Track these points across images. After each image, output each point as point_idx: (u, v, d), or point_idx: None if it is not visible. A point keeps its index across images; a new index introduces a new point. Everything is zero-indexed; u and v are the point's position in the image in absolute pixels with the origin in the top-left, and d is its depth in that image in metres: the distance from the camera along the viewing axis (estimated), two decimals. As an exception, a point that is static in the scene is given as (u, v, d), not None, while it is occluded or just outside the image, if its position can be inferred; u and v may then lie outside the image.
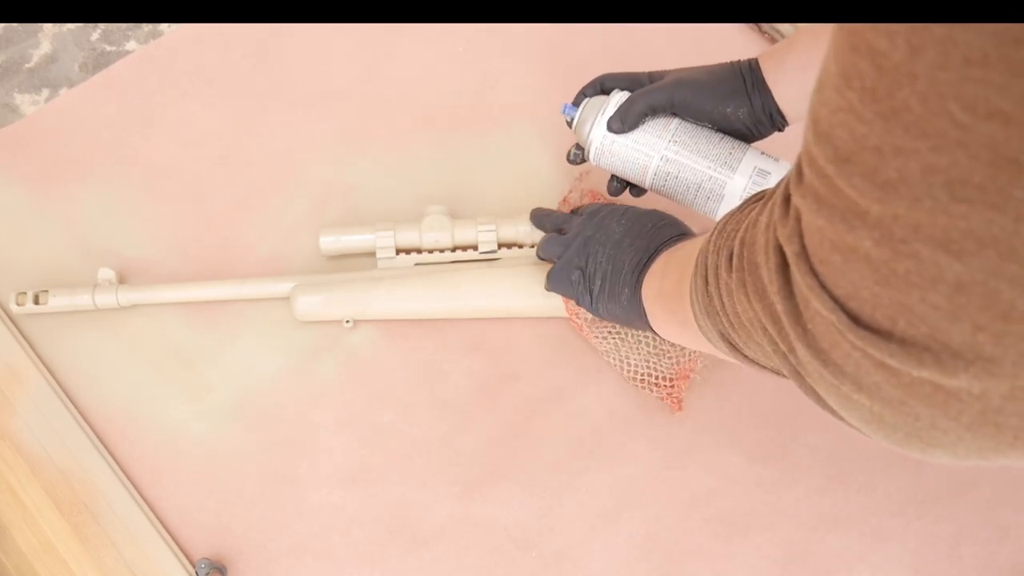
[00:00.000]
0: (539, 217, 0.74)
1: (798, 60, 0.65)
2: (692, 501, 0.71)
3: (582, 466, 0.72)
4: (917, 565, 0.70)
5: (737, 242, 0.42)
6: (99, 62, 0.86)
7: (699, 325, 0.49)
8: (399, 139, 0.84)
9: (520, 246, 0.76)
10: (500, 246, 0.77)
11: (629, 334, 0.73)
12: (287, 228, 0.80)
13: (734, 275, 0.42)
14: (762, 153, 0.68)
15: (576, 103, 0.72)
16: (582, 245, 0.68)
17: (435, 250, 0.76)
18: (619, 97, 0.69)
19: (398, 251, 0.76)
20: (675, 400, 0.73)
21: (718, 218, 0.66)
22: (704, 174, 0.67)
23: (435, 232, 0.76)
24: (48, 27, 0.88)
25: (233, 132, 0.83)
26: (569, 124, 0.72)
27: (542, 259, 0.72)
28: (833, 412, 0.39)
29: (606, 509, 0.71)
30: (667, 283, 0.59)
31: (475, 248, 0.77)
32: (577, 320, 0.73)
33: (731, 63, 0.68)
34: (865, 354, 0.33)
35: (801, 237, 0.35)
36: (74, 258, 0.78)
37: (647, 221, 0.67)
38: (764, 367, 0.45)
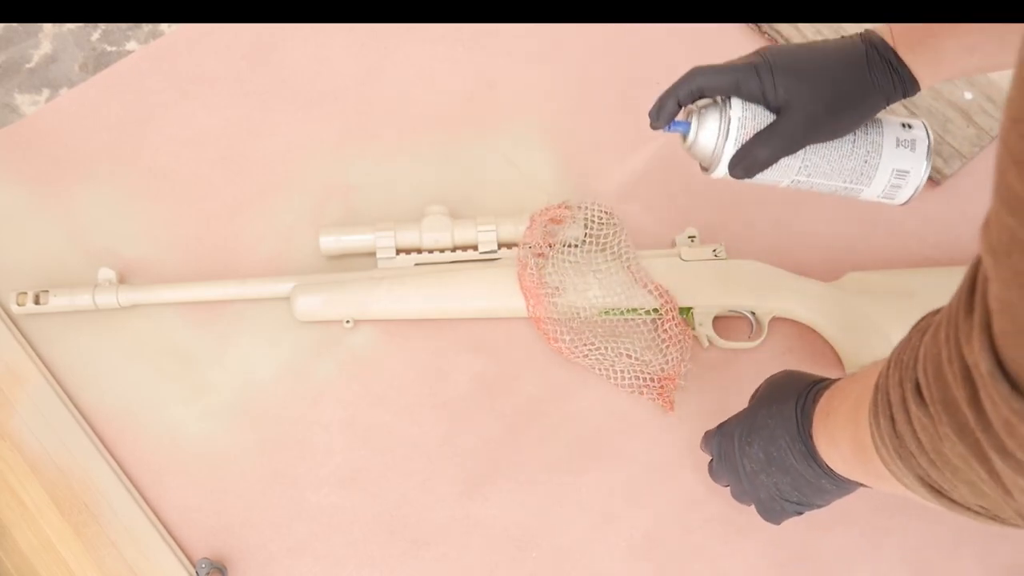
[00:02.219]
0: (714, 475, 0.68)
1: (960, 43, 0.55)
2: (692, 501, 0.71)
3: (582, 466, 0.72)
4: (917, 565, 0.70)
5: (920, 371, 0.38)
6: (99, 62, 0.86)
7: (892, 472, 0.44)
8: (399, 139, 0.84)
9: (529, 245, 0.76)
10: (500, 246, 0.77)
11: (609, 347, 0.73)
12: (287, 228, 0.80)
13: (929, 408, 0.37)
14: (901, 125, 0.62)
15: (667, 109, 0.60)
16: (749, 486, 0.62)
17: (435, 250, 0.76)
18: (737, 118, 0.59)
19: (398, 251, 0.76)
20: (667, 400, 0.73)
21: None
22: (838, 187, 0.62)
23: (435, 232, 0.76)
24: (48, 27, 0.88)
25: (233, 132, 0.83)
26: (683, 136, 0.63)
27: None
28: None
29: (606, 509, 0.71)
30: (846, 449, 0.52)
31: (475, 248, 0.77)
32: (556, 344, 0.73)
33: (861, 71, 0.57)
34: None
35: (993, 345, 0.31)
36: (74, 258, 0.78)
37: (763, 416, 0.60)
38: (978, 513, 0.40)
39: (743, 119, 0.59)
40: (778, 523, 0.63)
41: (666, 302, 0.74)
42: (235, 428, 0.73)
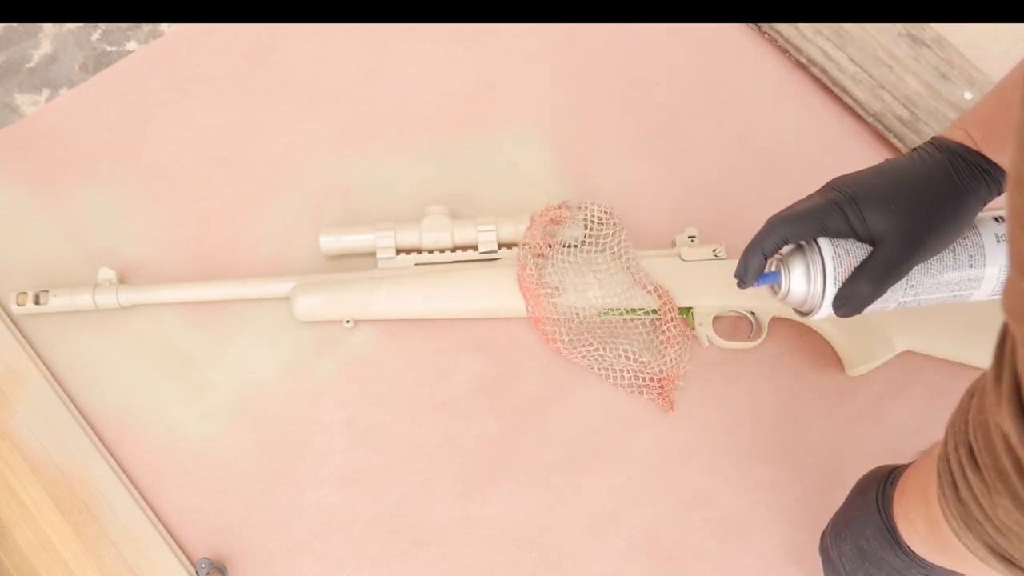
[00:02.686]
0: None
1: None
2: (692, 501, 0.71)
3: (582, 466, 0.72)
4: (917, 565, 0.70)
5: (972, 437, 0.38)
6: (99, 62, 0.86)
7: (964, 544, 0.43)
8: (399, 139, 0.84)
9: (527, 244, 0.76)
10: (500, 246, 0.77)
11: (607, 348, 0.73)
12: (287, 228, 0.80)
13: (983, 475, 0.37)
14: (995, 220, 0.58)
15: (753, 267, 0.58)
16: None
17: (435, 250, 0.76)
18: (831, 258, 0.57)
19: (398, 251, 0.76)
20: (667, 401, 0.73)
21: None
22: (946, 297, 0.59)
23: (435, 232, 0.76)
24: (48, 27, 0.88)
25: (233, 132, 0.83)
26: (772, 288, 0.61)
27: None
28: None
29: (606, 509, 0.71)
30: (921, 528, 0.51)
31: (475, 248, 0.77)
32: (555, 344, 0.73)
33: (949, 181, 0.54)
34: None
35: (1020, 402, 0.30)
36: (74, 258, 0.78)
37: (851, 508, 0.60)
38: None
39: (836, 258, 0.57)
40: None
41: (665, 303, 0.74)
42: (235, 428, 0.73)
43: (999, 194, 0.56)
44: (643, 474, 0.72)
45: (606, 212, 0.76)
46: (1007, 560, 0.40)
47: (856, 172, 0.57)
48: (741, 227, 0.80)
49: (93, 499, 0.69)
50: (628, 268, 0.75)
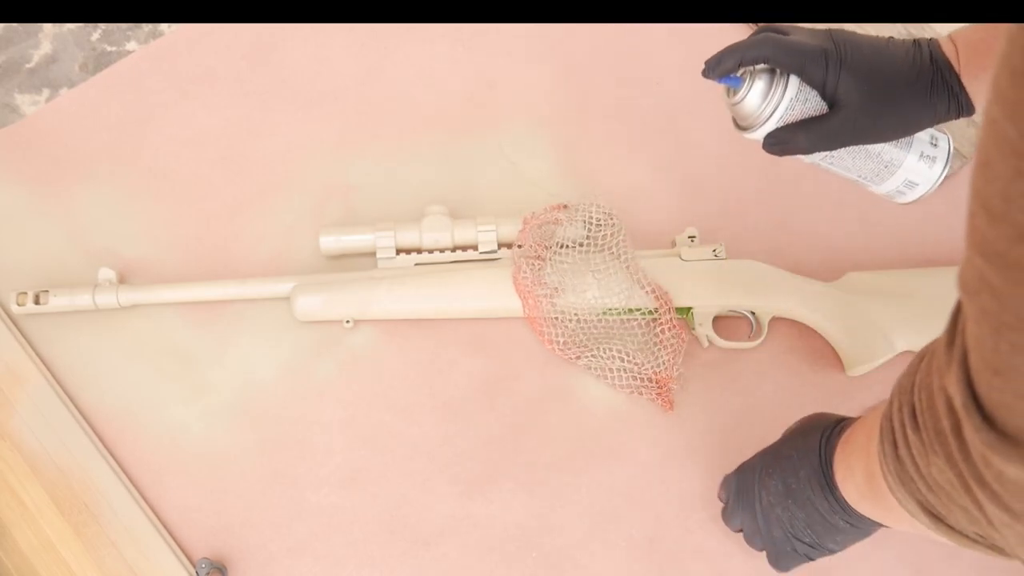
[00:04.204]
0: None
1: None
2: (692, 501, 0.71)
3: (582, 466, 0.72)
4: (917, 565, 0.70)
5: (916, 398, 0.40)
6: (99, 62, 0.86)
7: (897, 499, 0.45)
8: (399, 139, 0.84)
9: (520, 246, 0.76)
10: (500, 246, 0.77)
11: (602, 348, 0.73)
12: (287, 228, 0.80)
13: (921, 434, 0.39)
14: (929, 141, 0.63)
15: (726, 66, 0.59)
16: (763, 522, 0.62)
17: (435, 250, 0.76)
18: (790, 98, 0.59)
19: (398, 251, 0.76)
20: (666, 400, 0.73)
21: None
22: (851, 179, 0.64)
23: (435, 232, 0.76)
24: (48, 27, 0.88)
25: (233, 132, 0.83)
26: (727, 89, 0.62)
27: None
28: None
29: (606, 509, 0.71)
30: (859, 477, 0.53)
31: (475, 248, 0.77)
32: (551, 345, 0.74)
33: (923, 93, 0.56)
34: None
35: (968, 379, 0.32)
36: (74, 258, 0.78)
37: (788, 447, 0.61)
38: (975, 541, 0.41)
39: (794, 100, 0.59)
40: (786, 571, 0.64)
41: (662, 304, 0.74)
42: (235, 428, 0.73)
43: (955, 118, 0.58)
44: (643, 474, 0.72)
45: (606, 213, 0.76)
46: (935, 516, 0.42)
47: (860, 36, 0.59)
48: (741, 227, 0.81)
49: (93, 499, 0.69)
50: (627, 268, 0.75)
